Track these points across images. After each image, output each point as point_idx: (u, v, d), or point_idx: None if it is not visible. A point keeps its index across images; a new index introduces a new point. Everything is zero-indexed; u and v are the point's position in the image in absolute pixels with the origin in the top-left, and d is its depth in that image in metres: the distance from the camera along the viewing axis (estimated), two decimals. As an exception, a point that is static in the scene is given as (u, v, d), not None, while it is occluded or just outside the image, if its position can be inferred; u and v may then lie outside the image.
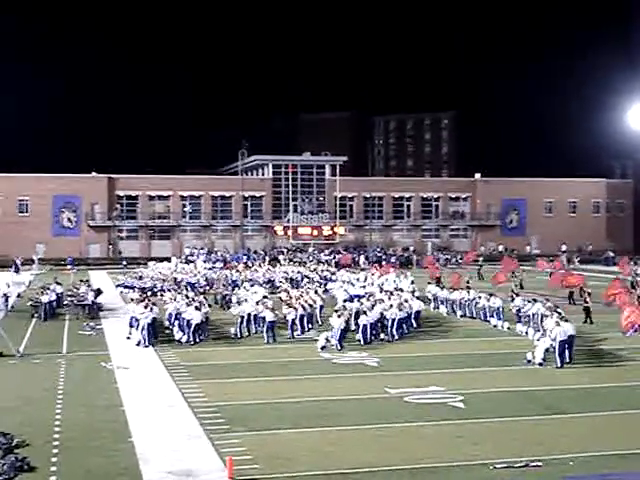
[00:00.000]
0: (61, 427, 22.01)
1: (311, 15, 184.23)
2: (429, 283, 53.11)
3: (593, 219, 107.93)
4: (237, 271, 62.05)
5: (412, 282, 54.08)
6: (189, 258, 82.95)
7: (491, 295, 42.98)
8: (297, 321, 38.11)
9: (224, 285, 54.64)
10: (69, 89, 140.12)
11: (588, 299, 43.95)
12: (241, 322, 38.11)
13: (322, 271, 63.55)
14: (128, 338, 36.90)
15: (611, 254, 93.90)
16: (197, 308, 36.97)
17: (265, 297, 42.53)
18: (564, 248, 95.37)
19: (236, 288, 51.96)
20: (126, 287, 55.54)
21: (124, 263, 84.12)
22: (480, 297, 43.67)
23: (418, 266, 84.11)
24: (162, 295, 47.16)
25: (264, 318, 37.20)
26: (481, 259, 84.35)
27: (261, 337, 36.90)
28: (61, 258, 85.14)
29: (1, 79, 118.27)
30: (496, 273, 58.02)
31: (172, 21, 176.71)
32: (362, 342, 35.50)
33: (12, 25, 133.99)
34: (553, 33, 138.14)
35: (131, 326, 37.51)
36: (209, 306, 41.08)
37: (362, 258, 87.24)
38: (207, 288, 55.85)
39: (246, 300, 41.08)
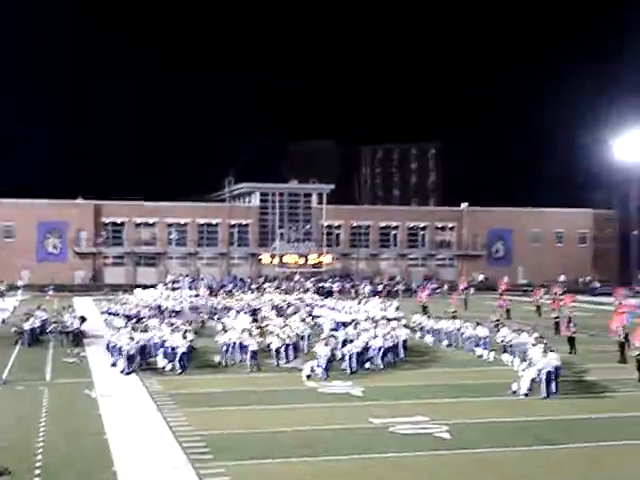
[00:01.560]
0: (44, 455, 21.80)
1: (301, 42, 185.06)
2: (415, 313, 53.11)
3: (579, 249, 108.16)
4: (224, 298, 62.06)
5: (397, 309, 54.19)
6: (175, 285, 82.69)
7: (477, 324, 42.93)
8: (282, 350, 38.00)
9: (202, 313, 54.89)
10: (52, 110, 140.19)
11: (573, 329, 43.99)
12: (226, 350, 37.93)
13: (308, 299, 63.47)
14: (113, 365, 36.69)
15: (597, 285, 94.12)
16: (183, 336, 36.90)
17: (250, 325, 42.45)
18: (562, 278, 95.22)
19: (219, 316, 52.02)
20: (111, 314, 55.21)
21: (107, 290, 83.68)
22: (466, 327, 43.60)
23: (404, 295, 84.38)
24: (146, 322, 46.87)
25: (249, 346, 37.05)
26: (472, 290, 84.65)
27: (246, 366, 36.70)
28: (45, 285, 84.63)
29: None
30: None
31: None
32: (347, 371, 35.40)
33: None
34: (538, 61, 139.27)
35: (115, 353, 37.31)
36: (195, 334, 40.95)
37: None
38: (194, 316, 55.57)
39: (232, 328, 40.89)
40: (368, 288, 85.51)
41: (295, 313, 51.06)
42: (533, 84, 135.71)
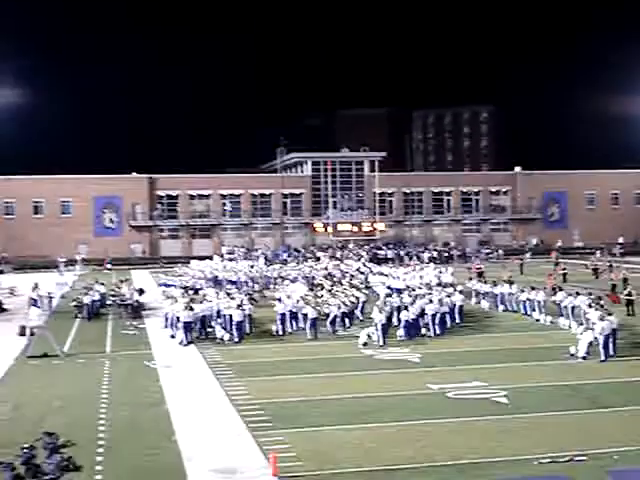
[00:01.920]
0: (105, 426, 22.22)
1: (349, 10, 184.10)
2: (470, 278, 52.94)
3: (636, 210, 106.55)
4: (279, 268, 62.53)
5: (452, 274, 54.05)
6: (230, 256, 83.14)
7: (533, 289, 42.66)
8: (338, 317, 38.13)
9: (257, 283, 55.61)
10: (105, 89, 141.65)
11: (632, 292, 43.55)
12: (283, 319, 38.17)
13: (363, 267, 63.47)
14: (172, 337, 37.14)
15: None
16: (239, 306, 37.21)
17: (306, 294, 42.65)
18: (621, 240, 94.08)
19: (274, 285, 52.50)
20: (168, 286, 55.67)
21: (161, 262, 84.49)
22: (522, 291, 43.34)
23: (459, 260, 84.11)
24: (203, 293, 47.26)
25: (306, 315, 37.27)
26: (528, 255, 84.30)
27: (303, 334, 36.94)
28: (102, 259, 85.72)
29: (36, 82, 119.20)
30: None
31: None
32: (404, 337, 35.45)
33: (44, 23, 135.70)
34: (589, 23, 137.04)
35: (173, 325, 37.77)
36: (252, 303, 41.14)
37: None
38: (250, 286, 55.95)
39: (288, 297, 41.07)
40: (426, 255, 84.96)
41: (350, 281, 51.18)
42: (591, 45, 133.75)
